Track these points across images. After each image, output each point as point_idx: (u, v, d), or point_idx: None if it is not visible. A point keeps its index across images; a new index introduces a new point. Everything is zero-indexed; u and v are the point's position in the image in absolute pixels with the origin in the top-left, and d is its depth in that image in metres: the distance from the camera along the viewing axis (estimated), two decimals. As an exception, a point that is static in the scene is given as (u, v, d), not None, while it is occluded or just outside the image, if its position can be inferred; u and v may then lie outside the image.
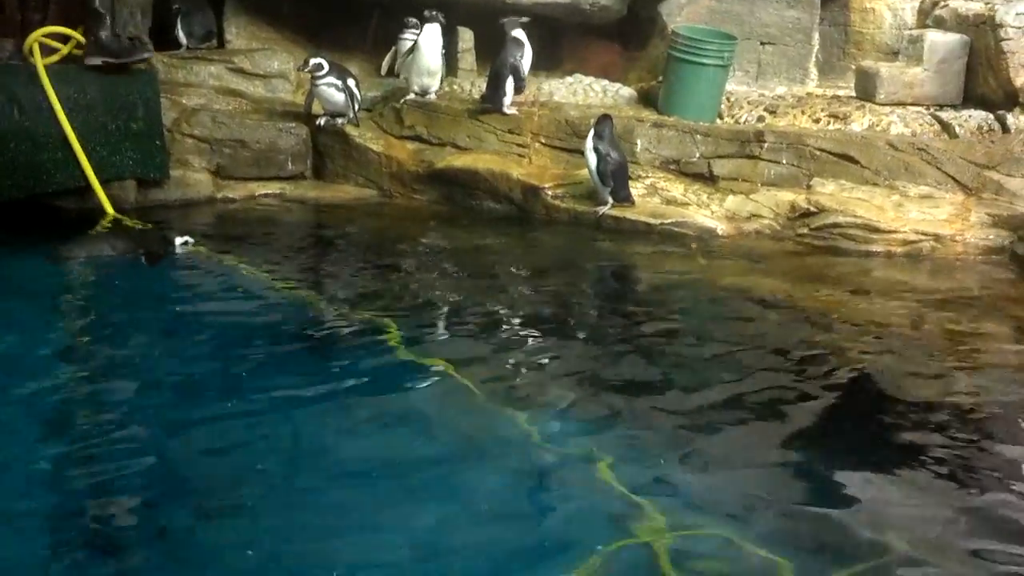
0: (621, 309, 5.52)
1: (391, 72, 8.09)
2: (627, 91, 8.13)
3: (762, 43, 8.54)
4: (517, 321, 5.15)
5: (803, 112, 7.71)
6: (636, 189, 6.94)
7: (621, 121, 7.12)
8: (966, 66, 7.87)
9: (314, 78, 7.27)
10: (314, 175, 7.58)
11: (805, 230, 6.69)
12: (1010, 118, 7.43)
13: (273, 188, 7.35)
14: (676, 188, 7.08)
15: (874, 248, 6.52)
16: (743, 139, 7.14)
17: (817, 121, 7.61)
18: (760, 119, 7.69)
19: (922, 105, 7.78)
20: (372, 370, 4.37)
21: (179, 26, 7.98)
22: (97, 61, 6.51)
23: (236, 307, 5.13)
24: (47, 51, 6.49)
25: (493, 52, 7.55)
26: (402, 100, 7.62)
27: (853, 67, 8.44)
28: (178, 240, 5.90)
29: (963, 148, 7.13)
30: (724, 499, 3.40)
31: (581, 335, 4.98)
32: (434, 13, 7.44)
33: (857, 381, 4.48)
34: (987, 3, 7.81)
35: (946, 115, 7.60)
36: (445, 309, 5.32)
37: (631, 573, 3.00)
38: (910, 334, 5.15)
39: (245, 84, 7.89)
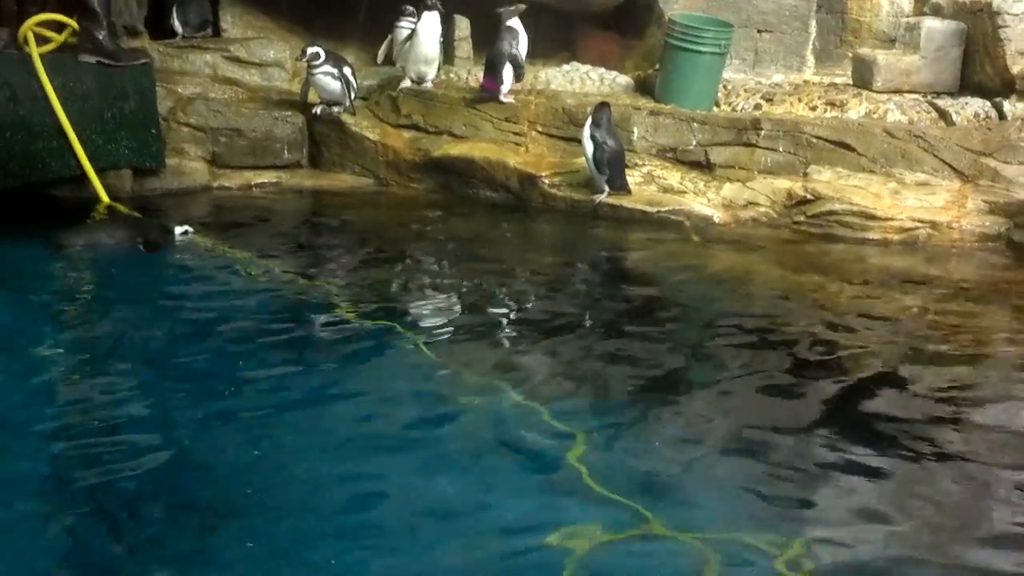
0: (617, 297, 5.52)
1: (387, 60, 8.08)
2: (624, 79, 8.11)
3: (759, 31, 8.52)
4: (512, 309, 5.15)
5: (800, 100, 7.71)
6: (633, 177, 6.94)
7: (618, 109, 7.11)
8: (963, 53, 7.88)
9: (310, 67, 7.25)
10: (310, 164, 7.57)
11: (802, 218, 6.70)
12: (1007, 105, 7.44)
13: (269, 177, 7.34)
14: (673, 176, 7.08)
15: (870, 236, 6.53)
16: (740, 127, 7.13)
17: (814, 109, 7.60)
18: (757, 107, 7.68)
19: (919, 93, 7.79)
20: (367, 357, 4.38)
21: (175, 15, 7.95)
22: (92, 60, 6.49)
23: (233, 295, 5.11)
24: (42, 40, 6.46)
25: (489, 40, 7.53)
26: (398, 88, 7.61)
27: (850, 55, 8.43)
28: (178, 229, 5.90)
29: (960, 135, 7.13)
30: (711, 487, 3.41)
31: (576, 322, 4.97)
32: (433, 1, 7.42)
33: (853, 368, 4.49)
34: (984, -10, 7.81)
35: (943, 102, 7.60)
36: (441, 297, 5.32)
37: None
38: (905, 321, 5.15)
39: (241, 72, 7.88)
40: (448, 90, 7.70)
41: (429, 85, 7.64)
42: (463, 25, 8.32)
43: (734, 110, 7.67)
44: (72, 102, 6.37)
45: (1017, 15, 7.49)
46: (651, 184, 7.03)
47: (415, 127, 7.54)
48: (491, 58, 7.42)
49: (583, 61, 8.31)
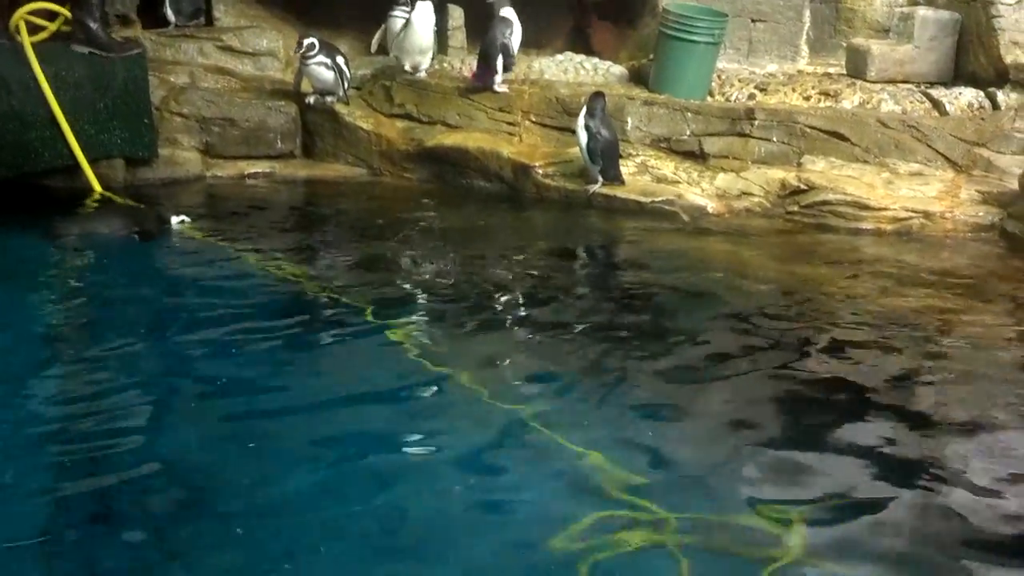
0: (609, 287, 5.53)
1: (381, 50, 8.06)
2: (618, 69, 8.11)
3: (753, 20, 8.51)
4: (504, 299, 5.15)
5: (794, 90, 7.71)
6: (627, 167, 6.94)
7: (612, 99, 7.08)
8: (957, 43, 7.87)
9: (304, 57, 7.23)
10: (303, 153, 7.56)
11: (795, 208, 6.70)
12: (1000, 95, 7.44)
13: (262, 167, 7.33)
14: (667, 166, 7.08)
15: (864, 226, 6.54)
16: (734, 117, 7.13)
17: (808, 99, 7.60)
18: (751, 97, 7.68)
19: (913, 82, 7.79)
20: (358, 348, 4.37)
21: (167, 4, 7.91)
22: (84, 51, 6.48)
23: (228, 285, 5.11)
24: (34, 29, 6.44)
25: (483, 30, 7.52)
26: (398, 77, 7.58)
27: (844, 44, 8.43)
28: (174, 219, 5.90)
29: (953, 125, 7.14)
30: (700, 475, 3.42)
31: (568, 312, 4.97)
32: (426, -10, 7.41)
33: (844, 358, 4.49)
34: (978, -20, 7.80)
35: (936, 92, 7.60)
36: (434, 287, 5.31)
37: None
38: (898, 311, 5.15)
39: (234, 62, 7.85)
40: (442, 80, 7.68)
41: (423, 75, 7.62)
42: (457, 14, 8.31)
43: (728, 100, 7.66)
44: (64, 92, 6.36)
45: (1011, 5, 7.48)
46: (645, 174, 7.03)
47: (409, 117, 7.53)
48: (484, 48, 7.41)
49: (576, 51, 8.30)
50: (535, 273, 5.54)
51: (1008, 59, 7.46)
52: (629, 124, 7.20)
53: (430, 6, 7.44)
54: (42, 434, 3.52)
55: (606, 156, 6.71)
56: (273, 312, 4.76)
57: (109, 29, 6.81)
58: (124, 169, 6.77)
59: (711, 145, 7.11)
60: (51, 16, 6.50)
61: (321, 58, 7.23)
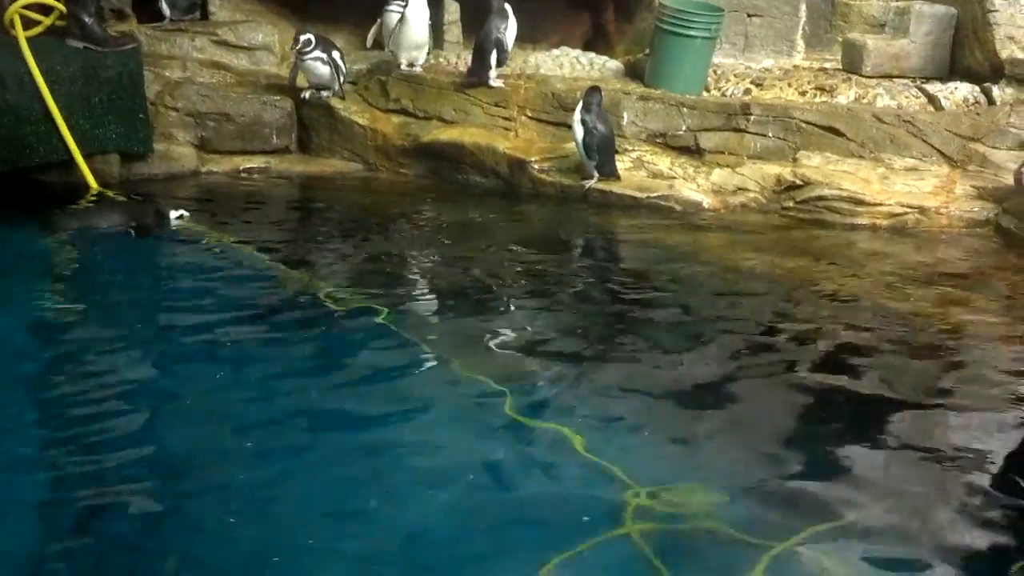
0: (605, 282, 5.52)
1: (377, 44, 8.05)
2: (614, 64, 8.10)
3: (749, 15, 8.52)
4: (501, 295, 5.14)
5: (790, 85, 7.71)
6: (622, 162, 6.94)
7: (608, 94, 7.09)
8: (952, 38, 7.87)
9: (300, 52, 7.22)
10: (299, 149, 7.55)
11: (791, 203, 6.70)
12: (996, 90, 7.44)
13: (258, 162, 7.32)
14: (662, 161, 7.08)
15: (859, 221, 6.54)
16: (730, 112, 7.13)
17: (803, 94, 7.60)
18: (747, 92, 7.68)
19: (908, 77, 7.79)
20: (356, 343, 4.38)
21: (162, -2, 7.91)
22: (79, 45, 6.46)
23: (226, 279, 5.11)
24: (28, 23, 6.43)
25: (479, 24, 7.51)
26: (394, 72, 7.57)
27: (840, 39, 8.43)
28: (173, 214, 5.89)
29: (949, 120, 7.14)
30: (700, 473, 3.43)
31: (564, 308, 4.97)
32: (422, -15, 7.40)
33: (840, 354, 4.50)
34: (974, -25, 7.80)
35: (932, 87, 7.61)
36: (430, 283, 5.32)
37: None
38: (894, 306, 5.16)
39: (229, 57, 7.84)
40: (438, 75, 7.68)
41: (419, 69, 7.62)
42: (452, 9, 8.30)
43: (724, 95, 7.66)
44: (59, 86, 6.34)
45: (1006, 0, 7.48)
46: (641, 169, 7.03)
47: (404, 112, 7.52)
48: (478, 43, 7.40)
49: (573, 45, 8.29)
50: (530, 268, 5.54)
51: (1004, 54, 7.46)
52: (625, 119, 7.20)
53: (425, 1, 7.43)
54: (37, 428, 3.52)
55: (602, 151, 6.71)
56: (272, 306, 4.76)
57: (104, 24, 6.79)
58: (119, 164, 6.75)
59: (707, 140, 7.11)
60: (46, 11, 6.48)
61: (317, 53, 7.22)
